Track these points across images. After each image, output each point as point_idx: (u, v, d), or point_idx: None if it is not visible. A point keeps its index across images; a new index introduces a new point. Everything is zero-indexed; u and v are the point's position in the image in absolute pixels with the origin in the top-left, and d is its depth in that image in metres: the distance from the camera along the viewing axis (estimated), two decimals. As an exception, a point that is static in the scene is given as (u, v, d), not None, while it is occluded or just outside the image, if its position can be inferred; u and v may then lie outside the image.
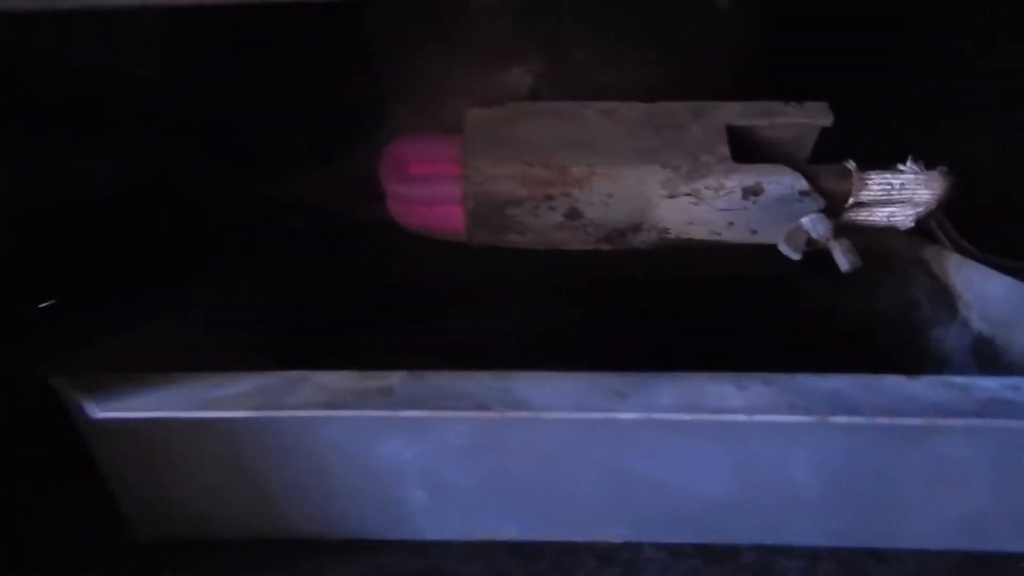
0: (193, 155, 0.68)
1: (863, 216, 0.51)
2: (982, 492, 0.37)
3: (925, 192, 0.49)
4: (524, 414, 0.36)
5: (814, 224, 0.48)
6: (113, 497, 0.42)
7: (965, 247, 0.57)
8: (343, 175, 0.68)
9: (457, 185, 0.50)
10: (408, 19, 0.63)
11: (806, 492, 0.39)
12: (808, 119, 0.51)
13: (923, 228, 0.53)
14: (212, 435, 0.38)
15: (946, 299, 0.56)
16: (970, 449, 0.36)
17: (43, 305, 0.55)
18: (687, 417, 0.35)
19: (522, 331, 0.67)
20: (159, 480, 0.41)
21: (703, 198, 0.49)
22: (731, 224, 0.50)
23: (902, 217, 0.50)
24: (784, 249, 0.49)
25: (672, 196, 0.49)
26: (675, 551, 0.41)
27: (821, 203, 0.49)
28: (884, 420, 0.34)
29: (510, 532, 0.42)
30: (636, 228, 0.51)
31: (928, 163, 0.50)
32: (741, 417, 0.35)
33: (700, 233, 0.51)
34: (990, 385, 0.37)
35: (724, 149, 0.49)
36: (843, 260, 0.48)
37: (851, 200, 0.49)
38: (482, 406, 0.36)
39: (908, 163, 0.50)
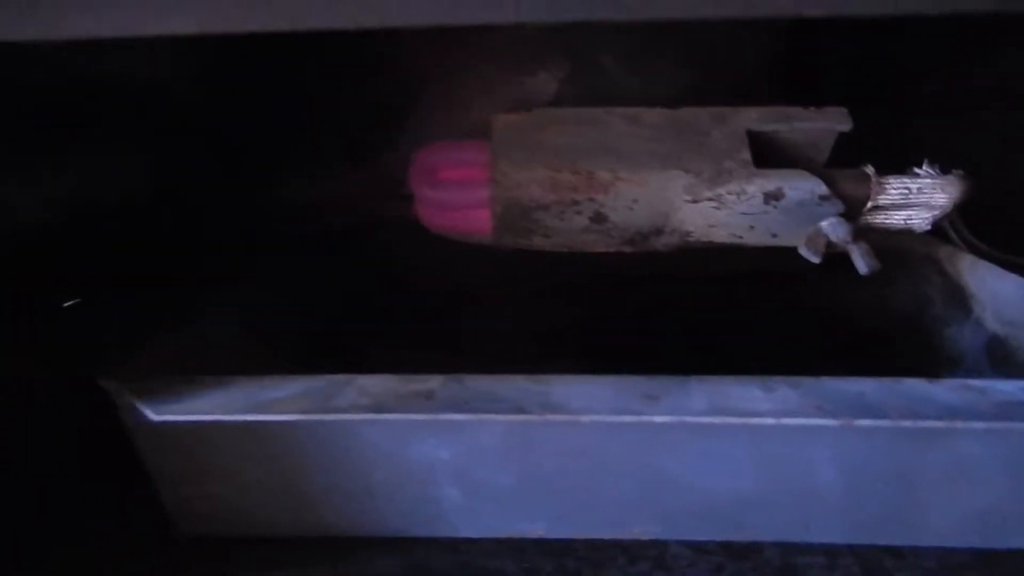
0: (216, 158, 0.69)
1: (881, 219, 0.52)
2: (998, 491, 0.39)
3: (942, 196, 0.50)
4: (561, 417, 0.37)
5: (834, 228, 0.50)
6: (156, 494, 0.44)
7: (977, 245, 0.58)
8: (371, 176, 0.69)
9: (485, 190, 0.52)
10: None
11: (828, 491, 0.40)
12: (827, 124, 0.52)
13: (936, 228, 0.54)
14: (261, 436, 0.40)
15: (960, 298, 0.57)
16: (988, 450, 0.37)
17: (68, 304, 0.56)
18: (717, 420, 0.37)
19: (534, 330, 0.68)
20: (205, 478, 0.43)
21: (725, 203, 0.50)
22: (752, 228, 0.52)
23: (919, 220, 0.52)
24: (804, 252, 0.50)
25: (695, 201, 0.50)
26: (700, 548, 0.43)
27: (840, 207, 0.50)
28: (907, 423, 0.35)
29: (540, 529, 0.43)
30: (659, 232, 0.53)
31: (942, 165, 0.51)
32: (769, 420, 0.36)
33: (721, 236, 0.52)
34: (1008, 388, 0.38)
35: (746, 154, 0.50)
36: (862, 263, 0.50)
37: (869, 204, 0.51)
38: (520, 409, 0.38)
39: (924, 167, 0.51)
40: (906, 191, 0.50)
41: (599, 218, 0.52)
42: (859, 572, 0.41)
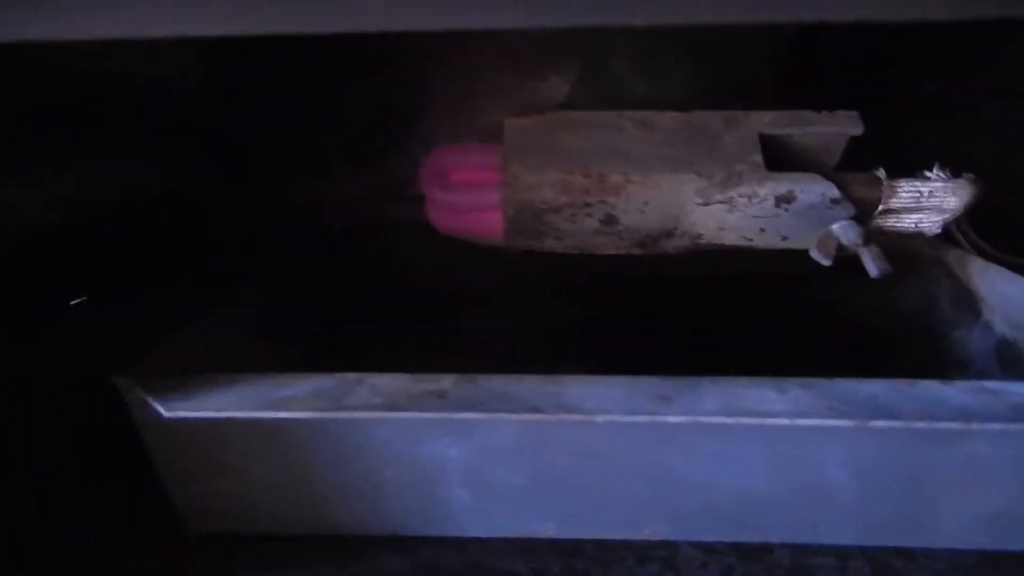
0: (220, 159, 0.70)
1: (892, 222, 0.52)
2: (1011, 493, 0.39)
3: (953, 199, 0.50)
4: (575, 417, 0.37)
5: (845, 231, 0.50)
6: (164, 492, 0.44)
7: (985, 249, 0.58)
8: (377, 178, 0.70)
9: (496, 192, 0.52)
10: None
11: (839, 492, 0.40)
12: (838, 128, 0.53)
13: (945, 231, 0.54)
14: (272, 434, 0.40)
15: (969, 302, 0.57)
16: (1001, 452, 0.37)
17: (74, 302, 0.56)
18: (730, 420, 0.37)
19: (539, 331, 0.68)
20: (215, 476, 0.43)
21: (737, 206, 0.50)
22: (763, 230, 0.52)
23: (929, 224, 0.52)
24: (815, 255, 0.50)
25: (706, 204, 0.50)
26: (710, 549, 0.43)
27: (851, 210, 0.50)
28: (921, 424, 0.35)
29: (551, 529, 0.43)
30: (669, 234, 0.53)
31: (952, 168, 0.51)
32: (783, 421, 0.36)
33: (732, 239, 0.53)
34: (1021, 391, 0.38)
35: (758, 158, 0.51)
36: (872, 266, 0.50)
37: (881, 207, 0.51)
38: (535, 409, 0.38)
39: (935, 170, 0.51)
40: (917, 194, 0.50)
41: (610, 220, 0.52)
42: (870, 573, 0.41)
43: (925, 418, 0.36)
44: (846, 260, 0.52)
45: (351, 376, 0.41)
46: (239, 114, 0.68)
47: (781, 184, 0.50)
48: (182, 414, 0.39)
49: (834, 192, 0.49)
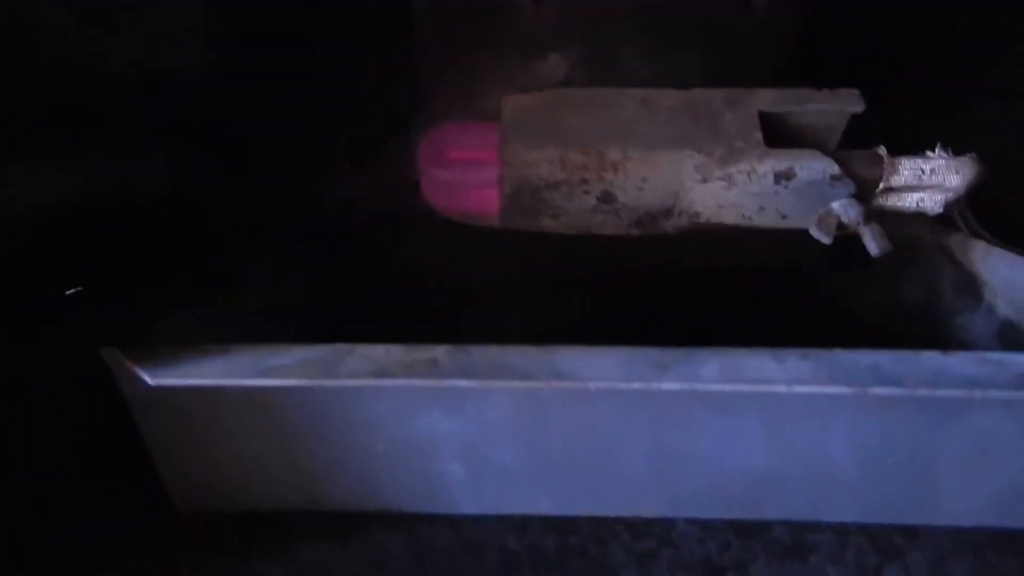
0: (219, 154, 0.69)
1: (893, 201, 0.51)
2: (1017, 468, 0.38)
3: (955, 178, 0.50)
4: (569, 384, 0.37)
5: (845, 209, 0.49)
6: (156, 469, 0.43)
7: (984, 235, 0.57)
8: (378, 164, 0.69)
9: (493, 170, 0.52)
10: (445, 6, 0.64)
11: (841, 468, 0.39)
12: (840, 105, 0.52)
13: (945, 217, 0.54)
14: (262, 404, 0.39)
15: (971, 286, 0.56)
16: (1006, 423, 0.36)
17: (69, 292, 0.55)
18: (728, 388, 0.36)
19: (537, 328, 0.67)
20: (205, 451, 0.42)
21: (736, 183, 0.50)
22: (762, 209, 0.51)
23: (931, 203, 0.51)
24: (815, 233, 0.50)
25: (705, 181, 0.50)
26: (707, 526, 0.42)
27: (852, 188, 0.49)
28: (923, 392, 0.35)
29: (544, 506, 0.43)
30: (668, 213, 0.52)
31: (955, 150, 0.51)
32: (781, 388, 0.36)
33: (731, 218, 0.52)
34: (1025, 360, 0.38)
35: (758, 135, 0.50)
36: (873, 245, 0.49)
37: (882, 185, 0.50)
38: (528, 376, 0.37)
39: (937, 150, 0.51)
40: (919, 172, 0.50)
41: (608, 198, 0.52)
42: (870, 550, 0.40)
43: (927, 385, 0.35)
44: (845, 248, 0.51)
45: (342, 346, 0.40)
46: (238, 108, 0.67)
47: (781, 161, 0.49)
48: (168, 382, 0.38)
49: (834, 169, 0.49)
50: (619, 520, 0.43)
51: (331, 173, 0.73)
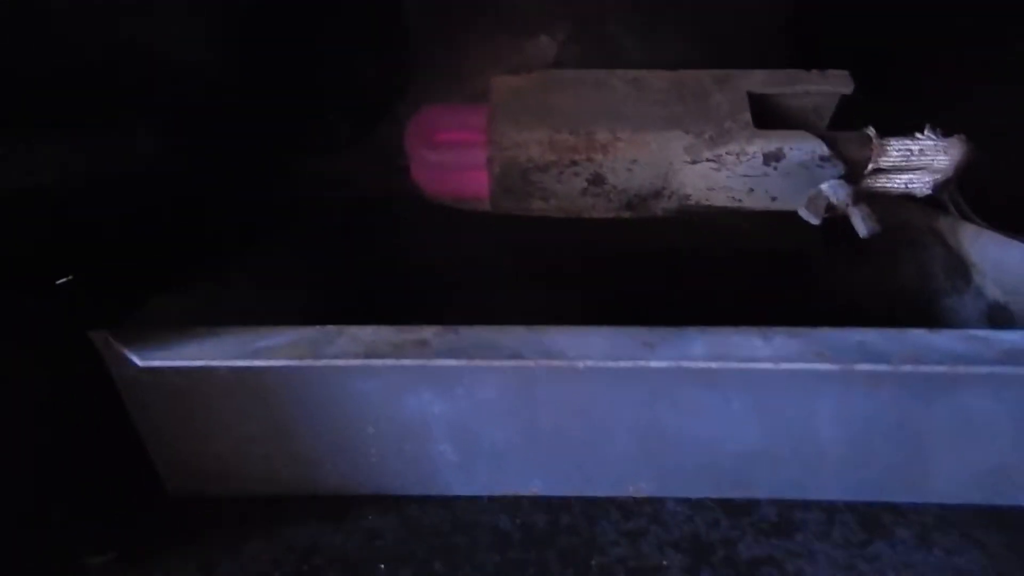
0: (227, 134, 0.68)
1: (882, 182, 0.51)
2: (1003, 445, 0.38)
3: (944, 158, 0.50)
4: (557, 363, 0.37)
5: (834, 189, 0.49)
6: (146, 452, 0.43)
7: (974, 219, 0.57)
8: (367, 147, 0.69)
9: (483, 152, 0.51)
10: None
11: (828, 446, 0.40)
12: (829, 87, 0.52)
13: (936, 201, 0.54)
14: (251, 385, 0.39)
15: (961, 269, 0.57)
16: (992, 399, 0.36)
17: (60, 281, 0.55)
18: (715, 365, 0.36)
19: (527, 307, 0.67)
20: (195, 433, 0.42)
21: (725, 164, 0.50)
22: (751, 190, 0.51)
23: (920, 184, 0.51)
24: (804, 214, 0.50)
25: (694, 162, 0.50)
26: (697, 504, 0.43)
27: (841, 169, 0.49)
28: (909, 368, 0.35)
29: (535, 487, 0.43)
30: (658, 195, 0.52)
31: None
32: (768, 365, 0.36)
33: (720, 200, 0.52)
34: (1011, 337, 0.38)
35: (747, 116, 0.50)
36: (862, 226, 0.49)
37: (871, 166, 0.50)
38: (517, 355, 0.37)
39: (926, 131, 0.51)
40: (908, 153, 0.50)
41: (598, 180, 0.52)
42: (858, 527, 0.40)
43: (913, 361, 0.35)
44: (836, 231, 0.51)
45: (332, 328, 0.40)
46: (227, 90, 0.67)
47: (770, 142, 0.49)
48: (156, 363, 0.38)
49: (823, 150, 0.49)
50: (609, 499, 0.43)
51: (320, 156, 0.72)
